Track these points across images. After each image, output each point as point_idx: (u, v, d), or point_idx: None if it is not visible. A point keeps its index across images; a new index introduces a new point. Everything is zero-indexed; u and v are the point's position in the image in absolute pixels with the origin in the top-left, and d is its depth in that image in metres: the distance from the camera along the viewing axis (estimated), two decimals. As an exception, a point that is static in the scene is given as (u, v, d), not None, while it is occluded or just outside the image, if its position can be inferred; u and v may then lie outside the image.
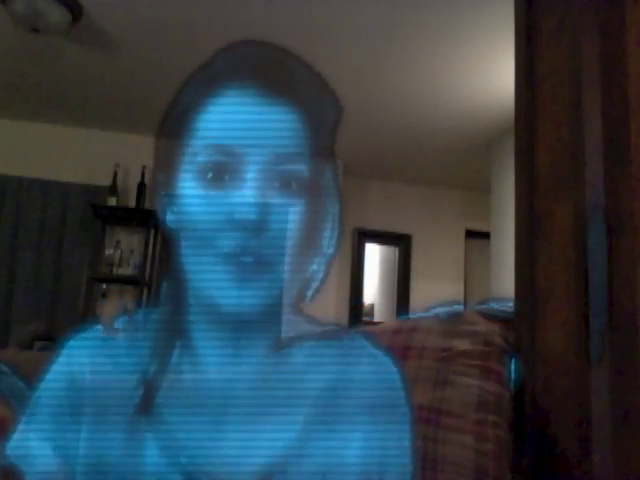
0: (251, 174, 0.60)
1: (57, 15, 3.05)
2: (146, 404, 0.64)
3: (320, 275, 0.68)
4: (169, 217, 0.66)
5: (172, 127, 0.65)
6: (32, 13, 2.99)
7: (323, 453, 0.63)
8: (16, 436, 0.66)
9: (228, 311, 0.62)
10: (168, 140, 0.66)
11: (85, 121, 4.49)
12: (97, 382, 0.66)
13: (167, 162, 0.65)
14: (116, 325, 0.70)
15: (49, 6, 2.99)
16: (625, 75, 0.91)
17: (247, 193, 0.59)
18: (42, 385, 0.68)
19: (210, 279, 0.61)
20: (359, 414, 0.66)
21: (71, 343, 0.69)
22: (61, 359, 0.68)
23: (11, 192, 4.46)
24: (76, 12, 3.10)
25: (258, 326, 0.65)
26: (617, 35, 0.93)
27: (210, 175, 0.61)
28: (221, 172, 0.60)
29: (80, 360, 0.67)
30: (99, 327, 0.71)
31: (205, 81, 0.64)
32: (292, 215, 0.61)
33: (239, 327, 0.65)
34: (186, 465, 0.62)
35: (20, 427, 0.67)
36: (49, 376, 0.68)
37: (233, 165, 0.60)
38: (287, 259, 0.61)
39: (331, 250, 0.68)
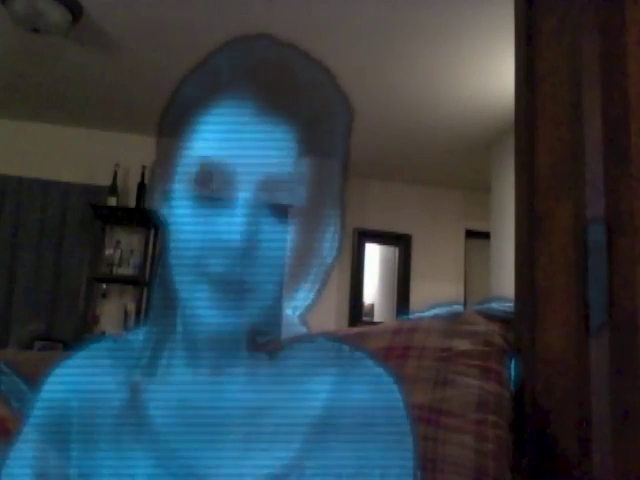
0: (243, 196, 0.58)
1: (57, 15, 3.05)
2: (133, 404, 0.64)
3: (316, 288, 0.66)
4: (164, 211, 0.64)
5: (171, 127, 0.64)
6: (32, 13, 2.99)
7: (322, 470, 0.63)
8: (5, 471, 0.66)
9: (209, 331, 0.61)
10: (167, 138, 0.64)
11: (85, 121, 4.49)
12: (85, 405, 0.66)
13: (165, 160, 0.64)
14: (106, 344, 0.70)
15: (49, 6, 2.99)
16: (625, 75, 0.91)
17: (236, 219, 0.57)
18: (30, 420, 0.68)
19: (194, 297, 0.60)
20: (359, 434, 0.64)
21: (57, 371, 0.69)
22: (47, 389, 0.68)
23: (11, 192, 4.46)
24: (76, 12, 3.10)
25: (240, 345, 0.64)
26: (617, 35, 0.93)
27: (202, 189, 0.59)
28: (213, 188, 0.59)
29: (66, 388, 0.67)
30: (99, 344, 0.70)
31: (206, 83, 0.62)
32: (284, 235, 0.59)
33: (220, 345, 0.64)
34: (180, 475, 0.62)
35: (9, 463, 0.66)
36: (36, 411, 0.68)
37: (225, 182, 0.58)
38: (276, 279, 0.60)
39: (329, 263, 0.67)
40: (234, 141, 0.59)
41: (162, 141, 0.66)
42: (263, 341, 0.66)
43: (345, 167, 0.67)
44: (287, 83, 0.61)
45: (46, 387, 0.68)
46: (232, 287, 0.58)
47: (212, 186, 0.59)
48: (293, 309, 0.67)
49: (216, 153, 0.59)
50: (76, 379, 0.68)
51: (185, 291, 0.61)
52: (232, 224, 0.57)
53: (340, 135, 0.65)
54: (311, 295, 0.67)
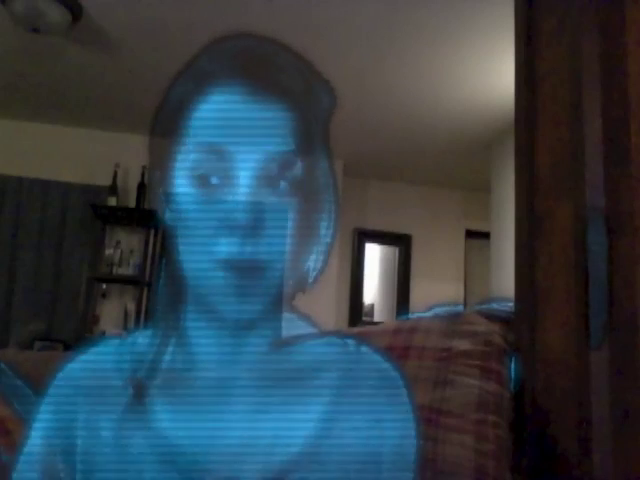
0: (244, 175, 0.59)
1: (57, 15, 3.04)
2: (137, 401, 0.64)
3: (318, 266, 0.68)
4: (167, 215, 0.65)
5: (164, 125, 0.65)
6: (32, 13, 2.99)
7: (333, 450, 0.64)
8: (15, 473, 0.67)
9: (228, 317, 0.62)
10: (161, 138, 0.65)
11: (85, 121, 4.49)
12: (90, 404, 0.66)
13: (161, 160, 0.65)
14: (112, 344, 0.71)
15: (49, 6, 2.99)
16: (625, 75, 0.91)
17: (240, 196, 0.59)
18: (37, 419, 0.68)
19: (209, 285, 0.61)
20: (364, 404, 0.66)
21: (63, 370, 0.69)
22: (54, 385, 0.69)
23: (11, 192, 4.46)
24: (76, 12, 3.10)
25: (258, 325, 0.65)
26: (617, 35, 0.93)
27: (202, 174, 0.60)
28: (213, 172, 0.60)
29: (72, 386, 0.68)
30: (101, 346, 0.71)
31: (193, 78, 0.63)
32: (287, 213, 0.61)
33: (239, 328, 0.65)
34: (185, 472, 0.62)
35: (18, 463, 0.67)
36: (43, 406, 0.68)
37: (225, 164, 0.60)
38: (284, 257, 0.61)
39: (328, 240, 0.68)
40: (229, 124, 0.61)
41: (157, 144, 0.66)
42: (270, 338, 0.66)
43: (329, 149, 0.68)
44: (269, 68, 0.63)
45: (53, 384, 0.69)
46: (246, 269, 0.59)
47: (213, 170, 0.60)
48: (292, 291, 0.67)
49: (214, 139, 0.60)
50: (82, 375, 0.68)
51: (201, 281, 0.62)
52: (237, 204, 0.59)
53: (323, 115, 0.67)
54: (312, 275, 0.67)
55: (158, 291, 0.69)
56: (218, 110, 0.61)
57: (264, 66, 0.63)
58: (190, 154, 0.61)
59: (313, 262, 0.67)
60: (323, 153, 0.67)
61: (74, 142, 4.53)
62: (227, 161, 0.60)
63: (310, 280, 0.68)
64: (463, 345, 1.04)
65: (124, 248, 4.50)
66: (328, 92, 0.67)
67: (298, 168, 0.62)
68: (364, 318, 5.25)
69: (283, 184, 0.61)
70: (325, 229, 0.68)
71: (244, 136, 0.60)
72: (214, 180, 0.60)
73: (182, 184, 0.62)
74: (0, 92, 4.17)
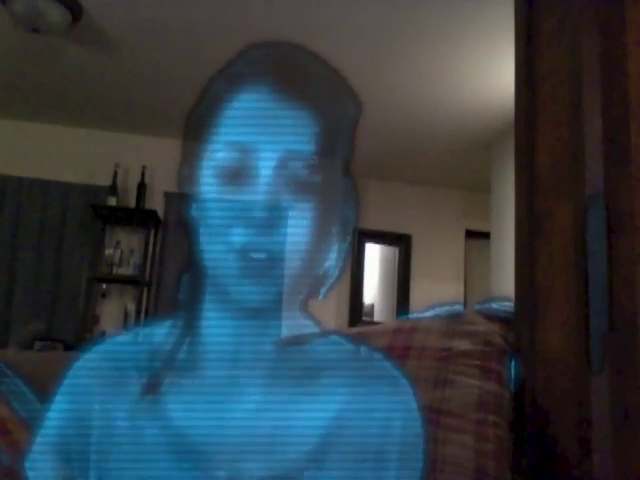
0: (264, 172, 0.62)
1: (57, 15, 3.05)
2: (151, 391, 0.65)
3: (335, 273, 0.69)
4: (193, 212, 0.67)
5: (194, 128, 0.67)
6: (32, 13, 2.99)
7: (340, 449, 0.64)
8: (31, 457, 0.67)
9: (242, 303, 0.63)
10: (192, 141, 0.68)
11: (85, 121, 4.49)
12: (104, 408, 0.67)
13: (190, 159, 0.68)
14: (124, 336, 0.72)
15: (49, 6, 2.99)
16: (625, 75, 0.91)
17: (260, 193, 0.61)
18: (51, 416, 0.68)
19: (225, 272, 0.63)
20: (372, 411, 0.66)
21: (77, 364, 0.70)
22: (67, 383, 0.69)
23: (11, 192, 4.46)
24: (76, 12, 3.10)
25: (271, 316, 0.65)
26: (617, 35, 0.93)
27: (226, 171, 0.63)
28: (236, 169, 0.62)
29: (87, 384, 0.68)
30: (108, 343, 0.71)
31: (223, 83, 0.66)
32: (303, 213, 0.62)
33: (253, 315, 0.65)
34: (195, 446, 0.63)
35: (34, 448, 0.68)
36: (57, 405, 0.69)
37: (247, 162, 0.62)
38: (298, 256, 0.62)
39: (345, 249, 0.69)
40: (255, 124, 0.63)
41: (188, 145, 0.69)
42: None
43: (349, 164, 0.71)
44: (300, 74, 0.65)
45: (70, 372, 0.69)
46: (258, 260, 0.61)
47: (236, 167, 0.62)
48: (307, 295, 0.68)
49: (239, 137, 0.63)
50: (99, 365, 0.68)
51: (218, 269, 0.64)
52: (255, 196, 0.61)
53: (347, 127, 0.70)
54: (328, 282, 0.68)
55: (181, 285, 0.70)
56: (245, 109, 0.64)
57: (294, 72, 0.65)
58: (215, 153, 0.64)
59: (329, 268, 0.68)
60: (345, 161, 0.70)
61: (74, 142, 4.53)
62: (249, 158, 0.62)
63: (325, 287, 0.69)
64: (463, 345, 1.04)
65: (124, 248, 4.50)
66: (354, 101, 0.70)
67: (318, 170, 0.63)
68: (364, 318, 5.25)
69: (302, 183, 0.62)
70: (342, 241, 0.69)
71: (267, 134, 0.62)
72: (237, 177, 0.62)
73: (207, 181, 0.64)
74: (0, 92, 4.17)
